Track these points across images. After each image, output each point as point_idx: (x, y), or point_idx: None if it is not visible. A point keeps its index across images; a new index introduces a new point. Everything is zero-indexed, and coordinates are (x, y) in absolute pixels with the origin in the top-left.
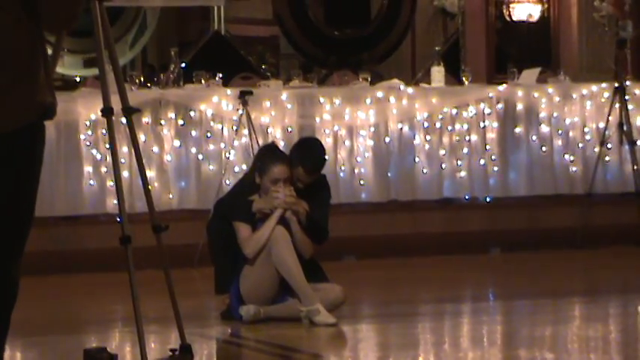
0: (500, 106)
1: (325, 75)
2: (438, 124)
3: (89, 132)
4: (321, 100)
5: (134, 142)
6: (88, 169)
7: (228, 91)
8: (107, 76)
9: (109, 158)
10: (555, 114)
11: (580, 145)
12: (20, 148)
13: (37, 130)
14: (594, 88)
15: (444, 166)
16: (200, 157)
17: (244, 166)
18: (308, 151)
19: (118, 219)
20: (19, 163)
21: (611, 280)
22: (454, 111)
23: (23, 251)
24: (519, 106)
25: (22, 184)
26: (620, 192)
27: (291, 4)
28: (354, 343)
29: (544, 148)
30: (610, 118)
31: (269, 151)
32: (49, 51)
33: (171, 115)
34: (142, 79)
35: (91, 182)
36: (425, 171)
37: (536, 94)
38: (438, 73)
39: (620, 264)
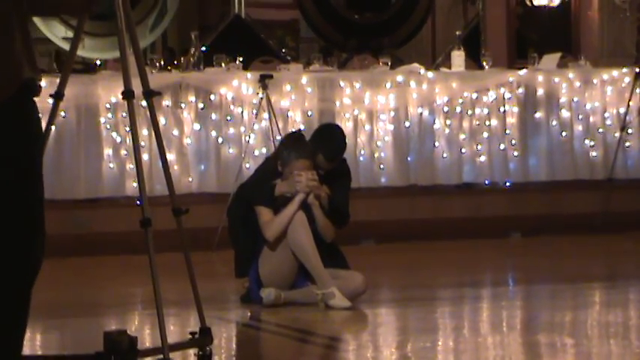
0: (520, 90)
1: (345, 59)
2: (458, 109)
3: (109, 115)
4: (342, 84)
5: (155, 125)
6: (108, 151)
7: (249, 74)
8: (128, 59)
9: (128, 141)
10: (576, 99)
11: (600, 130)
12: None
13: (18, 107)
14: (615, 73)
15: (463, 150)
16: (220, 140)
17: (264, 150)
18: (328, 138)
19: (138, 202)
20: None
21: (632, 265)
22: (474, 95)
23: (41, 227)
24: (540, 91)
25: (8, 164)
26: None
27: None
28: (373, 327)
29: (564, 134)
30: (631, 103)
31: (294, 142)
32: (70, 34)
33: (192, 98)
34: (162, 62)
35: (111, 165)
36: (445, 155)
37: (556, 79)
38: (458, 57)
39: None
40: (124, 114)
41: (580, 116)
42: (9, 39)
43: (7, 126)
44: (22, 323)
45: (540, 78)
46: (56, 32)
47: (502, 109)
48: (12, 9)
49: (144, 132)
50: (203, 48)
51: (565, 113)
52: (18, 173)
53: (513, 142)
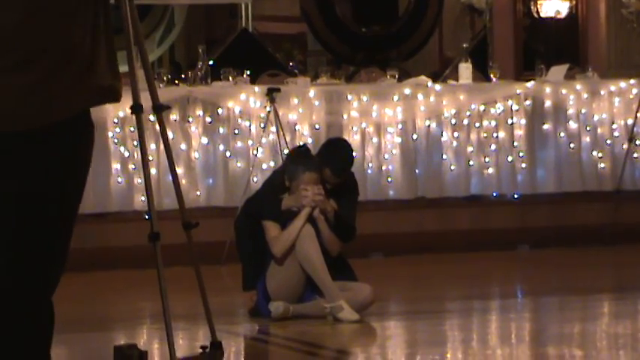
0: (528, 102)
1: (353, 72)
2: (465, 121)
3: (117, 129)
4: (349, 97)
5: (164, 139)
6: (116, 166)
7: (256, 88)
8: (136, 73)
9: (137, 155)
10: (583, 110)
11: (608, 141)
12: (60, 141)
13: (80, 123)
14: (622, 84)
15: (471, 163)
16: (228, 154)
17: (272, 163)
18: (336, 153)
19: (147, 216)
20: (61, 159)
21: None
22: (482, 108)
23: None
24: (547, 103)
25: (58, 184)
26: None
27: (319, 1)
28: (382, 340)
29: (572, 145)
30: (638, 114)
31: (300, 157)
32: None
33: (199, 112)
34: (169, 76)
35: (119, 179)
36: (452, 168)
37: (564, 91)
38: (465, 69)
39: None
40: (132, 128)
41: (588, 128)
42: (92, 55)
43: (65, 143)
44: None
45: (548, 90)
46: None
47: (510, 121)
48: (101, 8)
49: (151, 146)
50: (210, 62)
51: (573, 125)
52: (60, 193)
53: (521, 154)
